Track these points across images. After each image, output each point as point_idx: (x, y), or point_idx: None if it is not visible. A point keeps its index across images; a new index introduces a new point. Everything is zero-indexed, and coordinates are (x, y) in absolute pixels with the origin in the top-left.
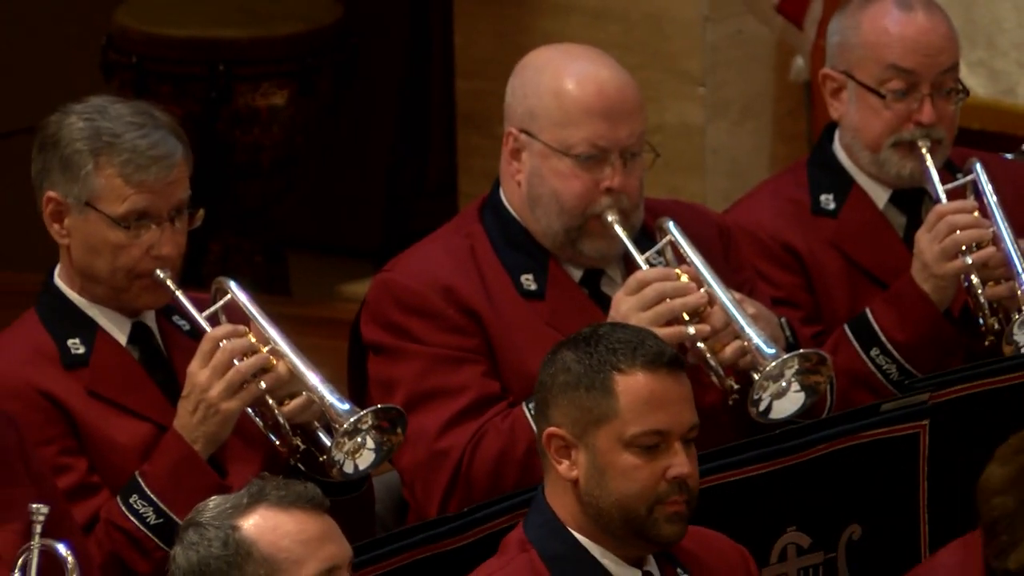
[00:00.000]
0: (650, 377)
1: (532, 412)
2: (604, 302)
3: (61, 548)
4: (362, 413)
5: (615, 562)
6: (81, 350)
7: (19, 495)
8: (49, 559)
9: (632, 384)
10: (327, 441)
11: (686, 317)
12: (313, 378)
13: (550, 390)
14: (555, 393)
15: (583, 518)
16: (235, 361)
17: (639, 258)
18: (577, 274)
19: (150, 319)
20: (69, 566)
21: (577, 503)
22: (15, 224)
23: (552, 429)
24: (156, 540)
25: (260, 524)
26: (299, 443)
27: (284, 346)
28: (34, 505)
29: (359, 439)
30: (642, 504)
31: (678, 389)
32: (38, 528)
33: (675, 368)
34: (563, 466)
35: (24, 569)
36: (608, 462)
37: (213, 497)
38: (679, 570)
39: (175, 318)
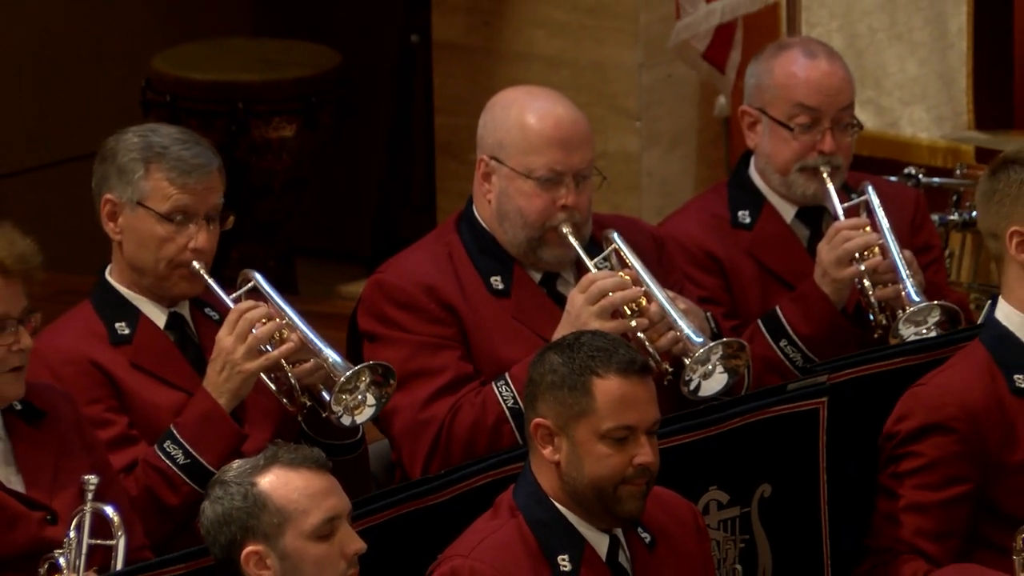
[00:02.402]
0: (622, 381)
1: (503, 393)
2: (559, 299)
3: (108, 510)
4: (357, 368)
5: (588, 529)
6: (126, 331)
7: (76, 464)
8: (98, 518)
9: (607, 387)
10: (330, 398)
11: (628, 312)
12: (319, 344)
13: (538, 387)
14: (542, 390)
15: (562, 493)
16: (254, 329)
17: (589, 263)
18: (537, 276)
19: (184, 309)
20: (115, 525)
21: (558, 480)
22: (67, 234)
23: (539, 420)
24: (183, 477)
25: (274, 481)
26: (306, 401)
27: (296, 320)
28: (85, 476)
29: (359, 396)
30: (611, 485)
31: (645, 391)
32: (89, 495)
33: (643, 374)
34: (547, 450)
35: (79, 528)
36: (585, 450)
37: (236, 460)
38: (640, 530)
39: (207, 309)
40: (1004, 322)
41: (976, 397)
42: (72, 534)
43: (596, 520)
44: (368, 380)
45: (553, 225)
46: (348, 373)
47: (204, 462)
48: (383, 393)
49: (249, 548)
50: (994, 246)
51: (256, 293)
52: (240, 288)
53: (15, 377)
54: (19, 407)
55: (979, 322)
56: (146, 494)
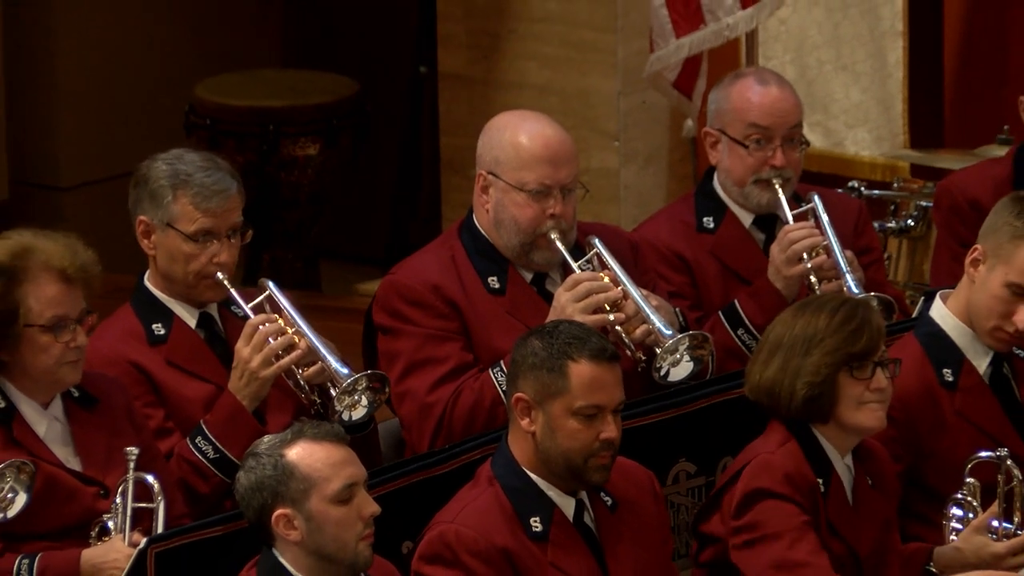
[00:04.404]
0: (594, 366)
1: (499, 378)
2: (548, 297)
3: (149, 478)
4: (356, 376)
5: (557, 494)
6: (162, 332)
7: (127, 444)
8: (143, 488)
9: (581, 370)
10: (334, 396)
11: (608, 308)
12: (324, 351)
13: (520, 366)
14: (524, 369)
15: (535, 461)
16: (269, 340)
17: (574, 265)
18: (528, 276)
19: (213, 310)
20: (155, 491)
21: (532, 450)
22: (122, 239)
23: (519, 395)
24: (213, 469)
25: (300, 452)
26: (316, 398)
27: (305, 328)
28: (127, 448)
29: (356, 397)
30: (580, 456)
31: (613, 375)
32: (131, 465)
33: (612, 360)
34: (525, 422)
35: (123, 494)
36: (558, 425)
37: (267, 435)
38: (603, 494)
39: (233, 307)
40: (938, 321)
41: (910, 388)
42: (118, 500)
43: (564, 485)
44: (365, 385)
45: (543, 232)
46: (349, 380)
47: (231, 456)
48: (377, 399)
49: (279, 511)
50: None
51: (271, 300)
52: (258, 296)
53: (73, 366)
54: (76, 394)
55: (914, 315)
56: (180, 484)
